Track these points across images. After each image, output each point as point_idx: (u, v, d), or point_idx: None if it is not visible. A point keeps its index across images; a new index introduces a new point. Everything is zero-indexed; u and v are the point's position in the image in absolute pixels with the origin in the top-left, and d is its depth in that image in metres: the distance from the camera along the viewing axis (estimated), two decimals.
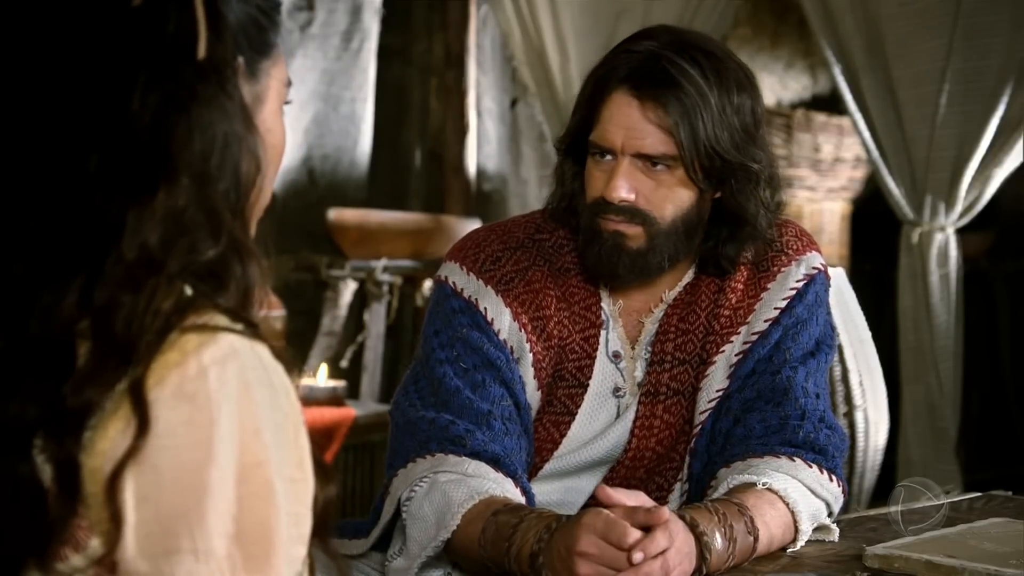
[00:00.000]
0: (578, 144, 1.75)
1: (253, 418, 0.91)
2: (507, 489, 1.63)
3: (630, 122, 1.67)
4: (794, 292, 1.78)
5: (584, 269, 1.78)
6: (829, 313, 1.84)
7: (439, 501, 1.61)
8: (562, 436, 1.77)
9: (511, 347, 1.74)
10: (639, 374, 1.78)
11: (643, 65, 1.67)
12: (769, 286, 1.78)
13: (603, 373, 1.78)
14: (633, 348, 1.79)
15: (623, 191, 1.68)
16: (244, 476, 0.90)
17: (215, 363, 0.90)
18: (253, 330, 0.94)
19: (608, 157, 1.70)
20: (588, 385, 1.77)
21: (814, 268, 1.81)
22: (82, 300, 0.91)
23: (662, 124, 1.66)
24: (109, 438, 0.89)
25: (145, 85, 0.93)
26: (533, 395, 1.75)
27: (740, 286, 1.79)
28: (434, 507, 1.61)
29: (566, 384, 1.77)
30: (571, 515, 1.51)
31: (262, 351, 0.93)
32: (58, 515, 0.90)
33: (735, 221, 1.74)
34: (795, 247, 1.81)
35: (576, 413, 1.77)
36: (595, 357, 1.77)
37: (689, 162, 1.67)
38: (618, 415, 1.78)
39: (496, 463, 1.65)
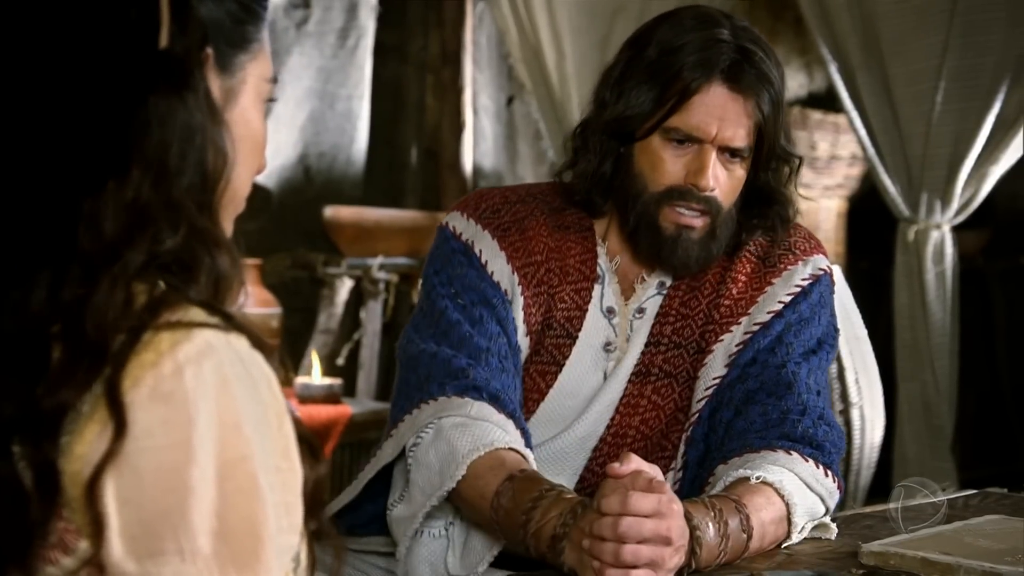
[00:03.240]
0: (627, 126, 1.75)
1: (233, 413, 0.90)
2: (510, 431, 1.65)
3: (727, 114, 1.70)
4: (799, 290, 1.80)
5: (584, 231, 1.81)
6: (833, 315, 1.86)
7: (444, 449, 1.62)
8: (548, 386, 1.79)
9: (505, 289, 1.77)
10: (627, 332, 1.80)
11: (738, 58, 1.70)
12: (774, 281, 1.80)
13: (595, 327, 1.80)
14: (626, 305, 1.81)
15: (713, 180, 1.71)
16: (227, 472, 0.89)
17: (190, 361, 0.89)
18: (229, 322, 0.92)
19: (688, 144, 1.71)
20: (577, 337, 1.79)
21: (820, 269, 1.83)
22: (51, 296, 0.90)
23: (753, 119, 1.71)
24: (87, 442, 0.88)
25: (102, 74, 0.92)
26: (522, 340, 1.78)
27: (743, 278, 1.80)
28: (439, 455, 1.62)
29: (554, 334, 1.79)
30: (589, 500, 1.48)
31: (239, 343, 0.92)
32: (38, 519, 0.89)
33: (764, 201, 1.80)
34: (803, 248, 1.84)
35: (564, 364, 1.79)
36: (586, 310, 1.79)
37: (765, 155, 1.74)
38: (606, 376, 1.79)
39: (496, 401, 1.67)
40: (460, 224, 1.81)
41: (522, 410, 1.77)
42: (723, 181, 1.73)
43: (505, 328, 1.74)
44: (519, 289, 1.77)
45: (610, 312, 1.81)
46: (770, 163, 1.76)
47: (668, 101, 1.70)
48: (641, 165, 1.74)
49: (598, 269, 1.81)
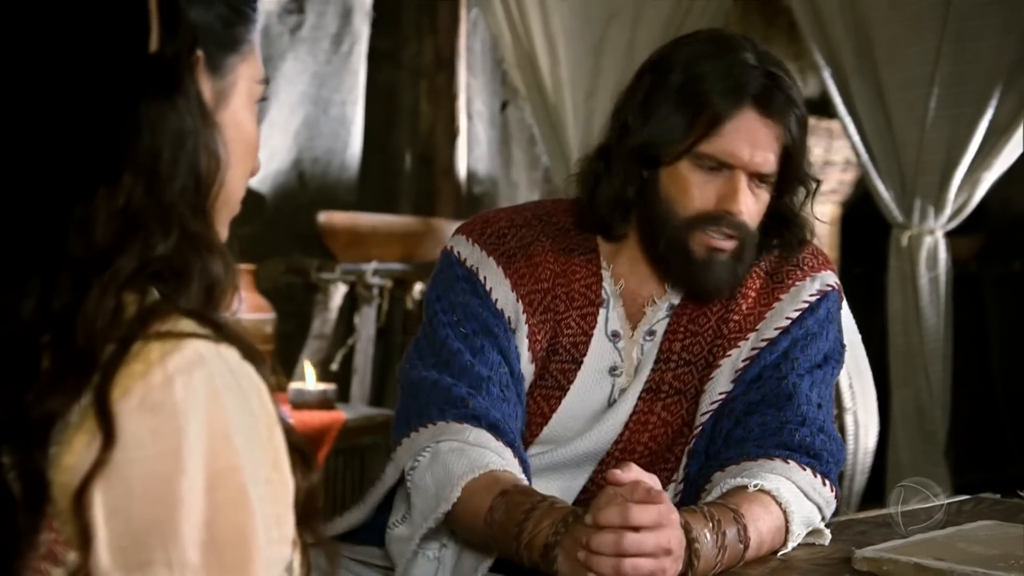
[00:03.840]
0: (653, 151, 1.73)
1: (222, 424, 0.89)
2: (507, 459, 1.64)
3: (759, 140, 1.70)
4: (807, 305, 1.80)
5: (588, 254, 1.80)
6: (840, 331, 1.85)
7: (440, 472, 1.62)
8: (552, 411, 1.79)
9: (508, 317, 1.76)
10: (635, 356, 1.80)
11: (768, 83, 1.70)
12: (782, 297, 1.80)
13: (600, 351, 1.79)
14: (633, 330, 1.80)
15: (745, 206, 1.71)
16: (216, 483, 0.89)
17: (180, 372, 0.89)
18: (219, 333, 0.92)
19: (718, 170, 1.71)
20: (582, 362, 1.79)
21: (828, 285, 1.83)
22: (41, 303, 0.90)
23: (782, 143, 1.71)
24: (75, 452, 0.88)
25: (92, 79, 0.91)
26: (527, 367, 1.77)
27: (752, 293, 1.80)
28: (435, 478, 1.63)
29: (559, 359, 1.78)
30: (583, 509, 1.49)
31: (229, 354, 0.92)
32: (25, 528, 0.88)
33: (783, 224, 1.81)
34: (811, 264, 1.84)
35: (568, 388, 1.78)
36: (591, 335, 1.79)
37: (791, 178, 1.75)
38: (611, 399, 1.79)
39: (495, 429, 1.66)
40: (465, 250, 1.80)
41: (524, 435, 1.77)
42: (751, 205, 1.73)
43: (507, 357, 1.74)
44: (524, 317, 1.76)
45: (615, 336, 1.80)
46: (794, 186, 1.77)
47: (699, 127, 1.69)
48: (668, 190, 1.73)
49: (603, 293, 1.80)
